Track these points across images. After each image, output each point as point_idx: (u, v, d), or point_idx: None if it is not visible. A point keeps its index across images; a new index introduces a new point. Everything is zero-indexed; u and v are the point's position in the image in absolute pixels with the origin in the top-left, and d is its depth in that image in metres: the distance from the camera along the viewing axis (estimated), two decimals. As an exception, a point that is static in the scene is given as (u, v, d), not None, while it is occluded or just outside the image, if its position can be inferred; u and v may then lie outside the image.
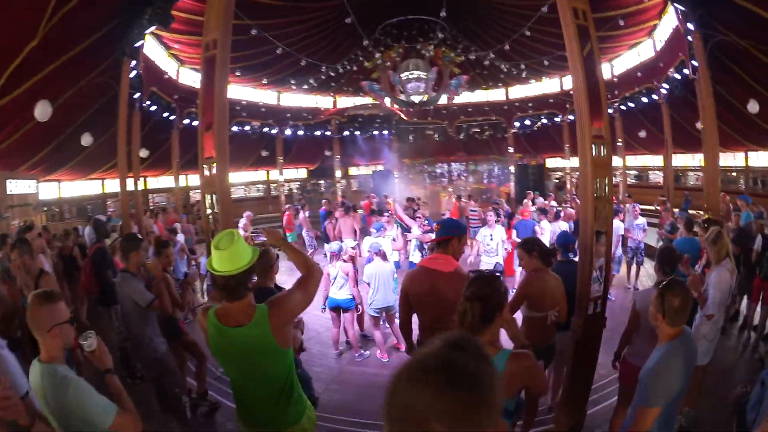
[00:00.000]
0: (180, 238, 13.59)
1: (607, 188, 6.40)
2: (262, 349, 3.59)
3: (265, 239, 5.05)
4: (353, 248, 10.92)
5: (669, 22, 16.88)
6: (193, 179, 26.14)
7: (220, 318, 3.64)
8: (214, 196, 7.23)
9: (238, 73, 19.82)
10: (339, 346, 10.06)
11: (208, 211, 7.39)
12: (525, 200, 20.69)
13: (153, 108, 18.47)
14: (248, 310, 3.60)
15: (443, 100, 21.58)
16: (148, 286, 6.25)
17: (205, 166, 7.31)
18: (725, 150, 19.58)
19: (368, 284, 9.65)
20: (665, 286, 3.95)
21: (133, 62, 14.90)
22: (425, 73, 19.29)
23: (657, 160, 26.72)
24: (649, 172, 28.01)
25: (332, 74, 20.63)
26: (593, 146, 6.26)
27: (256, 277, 4.93)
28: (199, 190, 25.98)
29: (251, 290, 3.68)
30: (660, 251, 6.46)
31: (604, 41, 18.40)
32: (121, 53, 14.31)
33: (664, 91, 19.09)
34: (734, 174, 22.06)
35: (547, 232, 13.70)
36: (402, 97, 20.06)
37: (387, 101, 21.72)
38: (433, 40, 19.40)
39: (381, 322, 9.86)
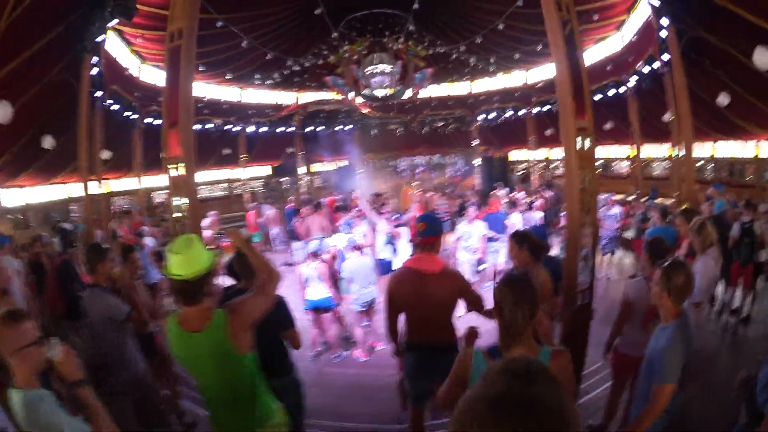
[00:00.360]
0: (148, 241, 13.04)
1: (591, 180, 6.43)
2: (220, 354, 3.56)
3: (229, 241, 4.89)
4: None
5: (638, 17, 17.20)
6: (156, 180, 25.25)
7: (180, 323, 3.62)
8: (182, 199, 7.03)
9: (201, 68, 19.29)
10: (317, 347, 9.85)
11: (176, 214, 7.13)
12: (493, 192, 20.56)
13: (115, 107, 17.86)
14: (206, 314, 3.57)
15: (408, 94, 21.41)
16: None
17: (171, 166, 7.02)
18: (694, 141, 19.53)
19: (349, 281, 9.51)
20: (669, 266, 4.07)
21: (95, 59, 14.32)
22: (389, 67, 19.16)
23: (621, 151, 26.87)
24: (613, 163, 28.14)
25: (297, 68, 20.50)
26: (578, 138, 6.26)
27: (239, 281, 5.12)
28: (162, 191, 26.03)
29: (209, 295, 3.66)
30: (649, 242, 6.32)
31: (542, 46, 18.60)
32: (82, 49, 13.69)
33: (631, 84, 19.38)
34: (701, 164, 21.85)
35: (519, 225, 13.63)
36: (366, 91, 19.88)
37: (350, 96, 21.59)
38: (400, 34, 19.23)
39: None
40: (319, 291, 9.29)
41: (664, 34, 14.62)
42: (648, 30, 16.10)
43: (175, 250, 3.53)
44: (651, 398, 3.88)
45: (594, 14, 16.32)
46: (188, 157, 6.84)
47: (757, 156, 19.75)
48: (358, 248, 9.76)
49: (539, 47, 17.97)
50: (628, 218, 15.23)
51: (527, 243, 6.15)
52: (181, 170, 6.88)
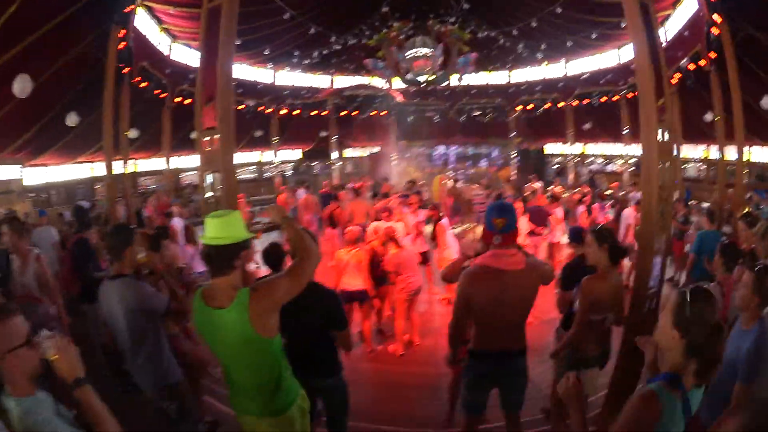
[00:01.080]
0: (176, 222, 12.46)
1: (669, 177, 6.24)
2: (241, 335, 3.39)
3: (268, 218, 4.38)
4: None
5: (683, 12, 16.60)
6: (185, 161, 25.30)
7: (205, 297, 3.50)
8: (215, 176, 6.46)
9: (237, 42, 18.60)
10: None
11: (209, 193, 6.58)
12: (528, 185, 20.31)
13: (143, 84, 17.09)
14: (230, 292, 3.38)
15: (450, 80, 20.90)
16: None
17: (205, 139, 6.47)
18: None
19: (395, 272, 9.04)
20: (763, 270, 3.94)
21: (123, 32, 13.69)
22: (432, 51, 18.56)
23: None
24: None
25: (338, 47, 20.02)
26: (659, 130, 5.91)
27: (276, 271, 4.71)
28: (191, 173, 25.69)
29: (240, 269, 3.48)
30: (724, 246, 6.14)
31: (613, 28, 18.41)
32: (110, 20, 13.15)
33: (674, 82, 18.35)
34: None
35: (561, 221, 13.63)
36: (408, 75, 19.33)
37: (385, 83, 21.19)
38: (446, 17, 18.75)
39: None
40: (356, 280, 8.86)
41: (715, 31, 13.90)
42: (694, 26, 15.51)
43: (214, 215, 3.45)
44: (736, 399, 3.65)
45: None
46: (225, 129, 6.27)
47: None
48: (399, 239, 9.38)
49: (594, 35, 17.44)
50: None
51: (608, 242, 5.47)
52: (217, 144, 6.32)
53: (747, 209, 10.96)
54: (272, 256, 4.99)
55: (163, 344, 5.04)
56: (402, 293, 9.04)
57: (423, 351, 9.39)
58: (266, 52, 21.31)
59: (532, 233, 12.45)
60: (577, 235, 6.99)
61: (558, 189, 18.76)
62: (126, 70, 14.71)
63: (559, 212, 13.84)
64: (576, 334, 5.40)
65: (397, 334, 9.28)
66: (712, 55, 14.38)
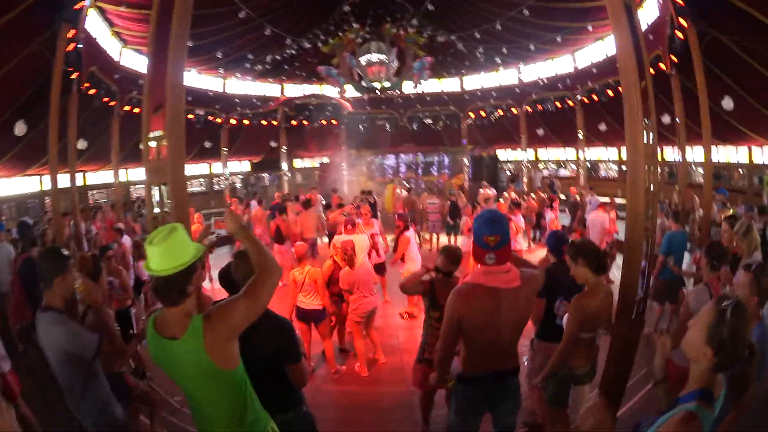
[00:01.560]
0: (126, 241, 11.79)
1: (655, 182, 6.04)
2: (198, 368, 2.98)
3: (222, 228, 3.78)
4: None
5: (643, 17, 16.70)
6: (135, 173, 24.52)
7: (157, 326, 3.08)
8: (163, 188, 5.82)
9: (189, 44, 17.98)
10: (310, 362, 8.72)
11: (156, 209, 5.94)
12: (481, 192, 20.19)
13: (92, 91, 16.24)
14: (183, 320, 2.98)
15: (405, 88, 20.66)
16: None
17: (151, 145, 5.81)
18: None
19: (349, 289, 8.43)
20: (760, 270, 4.15)
21: (72, 32, 12.91)
22: (387, 57, 18.18)
23: (610, 153, 28.15)
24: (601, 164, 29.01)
25: (292, 51, 19.47)
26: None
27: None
28: (142, 186, 24.87)
29: (192, 296, 3.04)
30: (709, 246, 6.04)
31: (572, 33, 18.68)
32: (60, 18, 12.38)
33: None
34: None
35: (521, 230, 13.68)
36: (363, 82, 18.97)
37: (338, 92, 20.86)
38: (402, 21, 18.40)
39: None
40: (312, 299, 8.34)
41: (680, 35, 14.13)
42: (656, 30, 15.69)
43: (154, 240, 2.95)
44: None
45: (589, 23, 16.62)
46: (175, 136, 5.69)
47: (750, 161, 20.35)
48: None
49: (559, 38, 17.38)
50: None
51: (583, 255, 5.05)
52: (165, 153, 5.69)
53: (732, 211, 11.33)
54: (234, 276, 4.22)
55: (98, 384, 4.38)
56: (354, 314, 8.50)
57: (389, 369, 8.89)
58: (218, 55, 20.33)
59: None
60: (558, 242, 6.48)
61: (513, 195, 18.57)
62: (75, 75, 13.98)
63: (520, 219, 13.74)
64: (563, 353, 5.02)
65: (359, 355, 8.74)
66: (674, 58, 14.63)
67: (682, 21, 13.70)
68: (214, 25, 16.85)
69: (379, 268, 11.81)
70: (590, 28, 17.46)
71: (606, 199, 17.19)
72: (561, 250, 6.10)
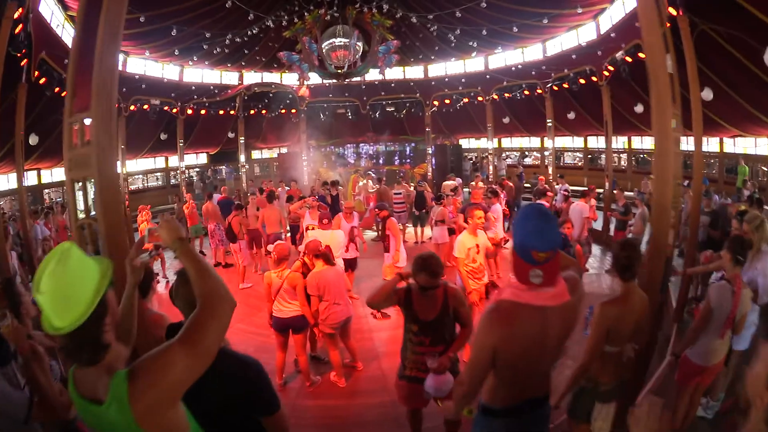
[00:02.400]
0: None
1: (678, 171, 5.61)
2: None
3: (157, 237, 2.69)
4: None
5: (618, 7, 17.19)
6: None
7: (77, 383, 2.24)
8: (89, 186, 4.66)
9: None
10: (281, 373, 7.86)
11: (81, 215, 4.81)
12: (446, 183, 19.90)
13: (43, 81, 14.71)
14: (104, 378, 2.11)
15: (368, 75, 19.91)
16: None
17: (75, 126, 4.72)
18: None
19: (319, 297, 7.45)
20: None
21: (20, 11, 11.40)
22: (351, 40, 17.43)
23: (577, 142, 28.68)
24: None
25: (253, 31, 18.26)
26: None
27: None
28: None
29: (108, 347, 2.17)
30: (732, 240, 5.67)
31: (548, 19, 18.35)
32: None
33: (606, 73, 18.44)
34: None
35: (500, 218, 12.99)
36: (326, 67, 18.22)
37: (299, 78, 20.10)
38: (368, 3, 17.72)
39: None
40: (290, 306, 7.45)
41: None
42: (632, 19, 15.37)
43: (41, 287, 2.06)
44: None
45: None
46: (105, 117, 4.50)
47: (722, 151, 21.12)
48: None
49: (545, 20, 17.06)
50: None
51: (613, 260, 4.50)
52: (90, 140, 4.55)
53: (743, 207, 10.59)
54: (175, 298, 3.10)
55: None
56: (324, 325, 7.57)
57: (368, 377, 8.13)
58: (173, 32, 17.92)
59: None
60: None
61: (480, 185, 18.02)
62: (24, 63, 12.82)
63: (498, 208, 13.11)
64: (585, 367, 4.29)
65: (334, 364, 7.86)
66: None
67: (671, 10, 13.15)
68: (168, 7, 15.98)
69: (352, 263, 11.35)
70: (580, 11, 17.19)
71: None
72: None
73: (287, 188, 19.12)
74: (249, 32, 18.10)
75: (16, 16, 11.31)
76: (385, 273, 10.99)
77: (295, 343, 7.67)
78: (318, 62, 18.50)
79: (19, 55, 12.25)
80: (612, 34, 17.15)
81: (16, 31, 11.68)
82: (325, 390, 7.73)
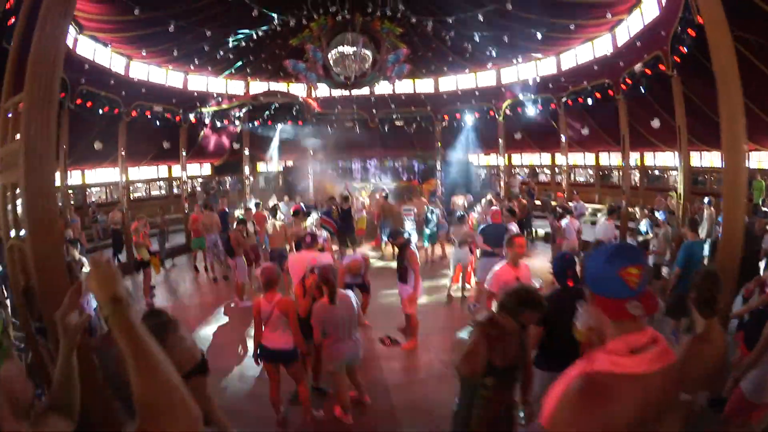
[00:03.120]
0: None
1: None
2: None
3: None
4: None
5: (637, 18, 16.73)
6: (91, 175, 24.03)
7: None
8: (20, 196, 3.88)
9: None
10: (279, 406, 7.05)
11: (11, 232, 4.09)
12: (454, 199, 20.22)
13: None
14: None
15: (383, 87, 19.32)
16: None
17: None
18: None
19: (323, 333, 6.60)
20: None
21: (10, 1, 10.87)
22: (360, 48, 16.90)
23: (588, 158, 27.90)
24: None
25: (260, 32, 17.47)
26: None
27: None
28: (96, 188, 23.33)
29: None
30: None
31: (562, 30, 18.13)
32: None
33: (624, 87, 17.90)
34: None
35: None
36: (334, 76, 17.60)
37: (306, 88, 19.48)
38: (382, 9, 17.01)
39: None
40: (281, 336, 6.62)
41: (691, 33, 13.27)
42: (655, 30, 15.15)
43: None
44: None
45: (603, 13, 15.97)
46: (41, 102, 3.82)
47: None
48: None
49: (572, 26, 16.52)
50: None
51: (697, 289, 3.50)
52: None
53: None
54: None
55: None
56: (328, 362, 6.85)
57: (378, 413, 7.37)
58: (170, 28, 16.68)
59: (488, 254, 10.64)
60: (564, 266, 5.77)
61: (495, 202, 17.37)
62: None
63: (515, 228, 12.30)
64: None
65: (339, 398, 7.04)
66: (677, 59, 14.05)
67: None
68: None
69: (364, 288, 10.38)
70: (609, 16, 16.60)
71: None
72: (566, 275, 5.63)
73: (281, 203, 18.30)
74: (254, 34, 17.40)
75: (6, 6, 10.80)
76: (405, 307, 9.80)
77: (291, 376, 6.92)
78: (323, 71, 17.96)
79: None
80: (638, 43, 16.53)
81: (9, 22, 11.00)
82: (330, 427, 6.95)
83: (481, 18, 16.18)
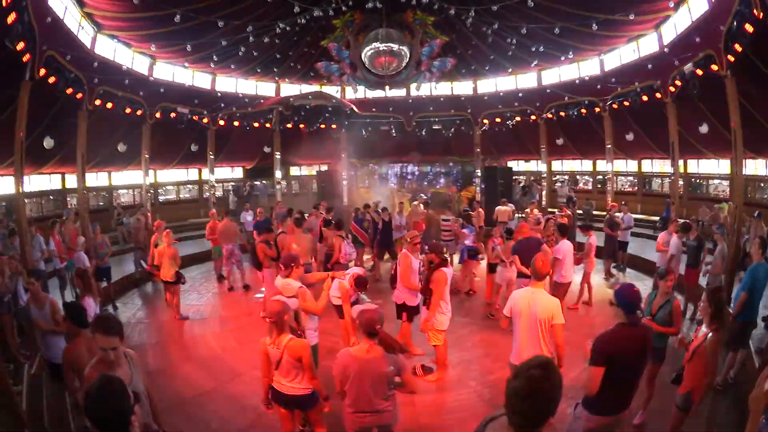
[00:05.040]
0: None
1: None
2: None
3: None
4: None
5: (684, 15, 15.54)
6: (117, 177, 23.47)
7: None
8: None
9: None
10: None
11: None
12: (498, 208, 18.74)
13: (52, 80, 13.68)
14: None
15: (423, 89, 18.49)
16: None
17: None
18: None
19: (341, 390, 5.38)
20: None
21: None
22: (398, 45, 15.96)
23: (630, 165, 26.64)
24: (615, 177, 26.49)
25: (302, 21, 16.00)
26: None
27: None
28: (124, 190, 22.90)
29: None
30: None
31: (607, 27, 16.64)
32: None
33: (673, 89, 16.80)
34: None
35: (570, 258, 10.75)
36: (369, 76, 16.88)
37: (340, 89, 18.75)
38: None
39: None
40: (295, 381, 5.41)
41: (750, 28, 11.94)
42: (707, 28, 14.02)
43: None
44: None
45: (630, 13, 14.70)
46: None
47: None
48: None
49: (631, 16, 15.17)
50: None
51: None
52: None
53: None
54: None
55: None
56: (348, 426, 5.31)
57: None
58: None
59: (525, 276, 9.35)
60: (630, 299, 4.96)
61: (536, 212, 16.35)
62: (27, 58, 11.71)
63: (567, 247, 10.90)
64: None
65: None
66: (731, 58, 12.79)
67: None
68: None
69: (411, 310, 9.04)
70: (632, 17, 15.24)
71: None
72: (633, 309, 4.90)
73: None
74: (281, 28, 16.09)
75: (4, 3, 10.21)
76: (429, 338, 8.45)
77: (310, 422, 5.92)
78: (351, 70, 17.19)
79: (18, 49, 11.18)
80: (688, 41, 15.24)
81: (10, 19, 10.58)
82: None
83: (531, 3, 14.97)
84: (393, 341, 5.81)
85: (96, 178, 22.79)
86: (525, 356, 5.71)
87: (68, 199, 21.02)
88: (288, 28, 16.21)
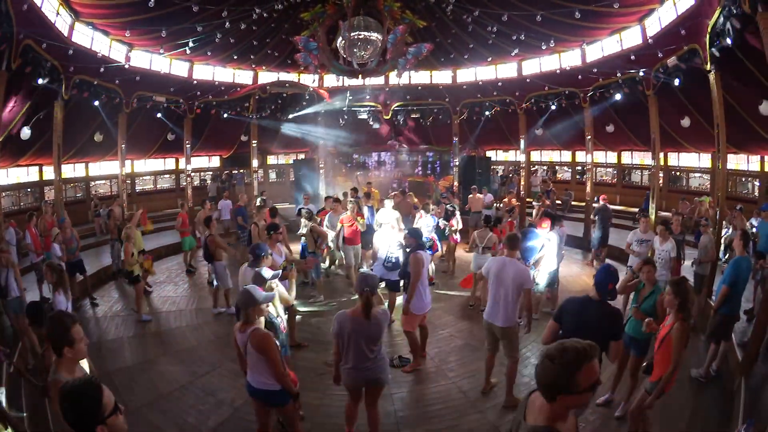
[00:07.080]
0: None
1: None
2: None
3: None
4: None
5: (669, 8, 15.16)
6: (94, 168, 23.64)
7: None
8: None
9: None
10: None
11: None
12: (472, 196, 19.50)
13: (28, 69, 13.41)
14: None
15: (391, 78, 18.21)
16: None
17: None
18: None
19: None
20: None
21: None
22: (375, 34, 15.76)
23: (610, 156, 27.41)
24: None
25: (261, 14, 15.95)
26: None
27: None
28: (101, 181, 22.61)
29: None
30: None
31: (590, 19, 16.61)
32: None
33: (655, 81, 16.51)
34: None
35: (554, 244, 11.14)
36: (345, 64, 16.64)
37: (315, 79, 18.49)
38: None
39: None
40: (263, 375, 5.22)
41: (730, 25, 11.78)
42: (692, 21, 13.69)
43: None
44: None
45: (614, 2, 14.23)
46: None
47: (762, 170, 20.09)
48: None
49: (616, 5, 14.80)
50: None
51: None
52: None
53: None
54: None
55: None
56: (348, 383, 5.64)
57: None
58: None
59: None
60: (606, 279, 5.90)
61: (514, 201, 16.38)
62: (2, 47, 11.54)
63: (554, 235, 11.38)
64: None
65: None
66: (715, 53, 12.57)
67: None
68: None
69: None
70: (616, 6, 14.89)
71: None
72: (606, 288, 5.74)
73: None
74: (257, 13, 15.76)
75: None
76: (403, 324, 8.62)
77: (283, 419, 5.79)
78: (318, 61, 17.05)
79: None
80: (671, 34, 15.00)
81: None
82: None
83: None
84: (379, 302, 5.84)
85: (73, 170, 22.68)
86: (491, 312, 7.24)
87: (45, 191, 20.68)
88: (265, 14, 15.95)
